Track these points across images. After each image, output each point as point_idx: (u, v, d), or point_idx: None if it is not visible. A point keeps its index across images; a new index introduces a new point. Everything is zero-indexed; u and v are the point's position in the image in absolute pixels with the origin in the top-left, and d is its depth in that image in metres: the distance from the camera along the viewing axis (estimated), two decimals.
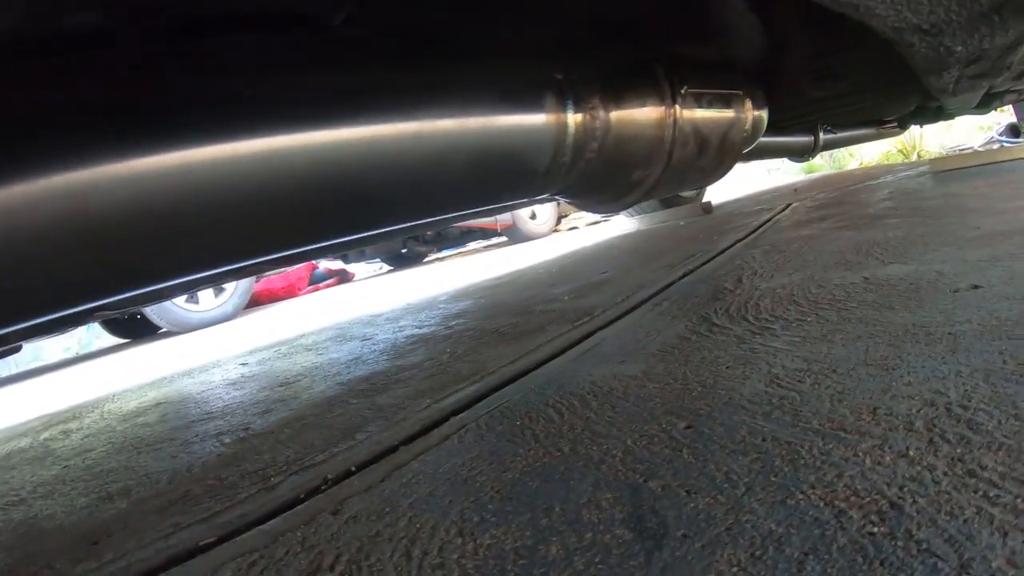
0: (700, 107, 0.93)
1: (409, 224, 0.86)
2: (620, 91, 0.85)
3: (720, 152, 1.05)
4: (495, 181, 0.84)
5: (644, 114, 0.85)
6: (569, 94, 0.83)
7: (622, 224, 4.40)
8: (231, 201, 0.62)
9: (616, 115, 0.85)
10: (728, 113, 1.02)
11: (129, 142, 0.57)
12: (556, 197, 1.12)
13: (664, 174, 0.93)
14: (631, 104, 0.86)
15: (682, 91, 0.88)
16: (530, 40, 0.89)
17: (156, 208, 0.59)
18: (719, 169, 1.14)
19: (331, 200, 0.68)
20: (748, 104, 1.07)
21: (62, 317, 1.38)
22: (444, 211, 0.86)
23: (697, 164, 1.01)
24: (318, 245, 0.77)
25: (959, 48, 0.81)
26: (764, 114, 1.27)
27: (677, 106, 0.86)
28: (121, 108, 0.59)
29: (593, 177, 0.92)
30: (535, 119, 0.79)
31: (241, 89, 0.62)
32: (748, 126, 1.09)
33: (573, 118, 0.81)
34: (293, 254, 0.79)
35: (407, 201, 0.76)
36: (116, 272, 0.64)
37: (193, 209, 0.61)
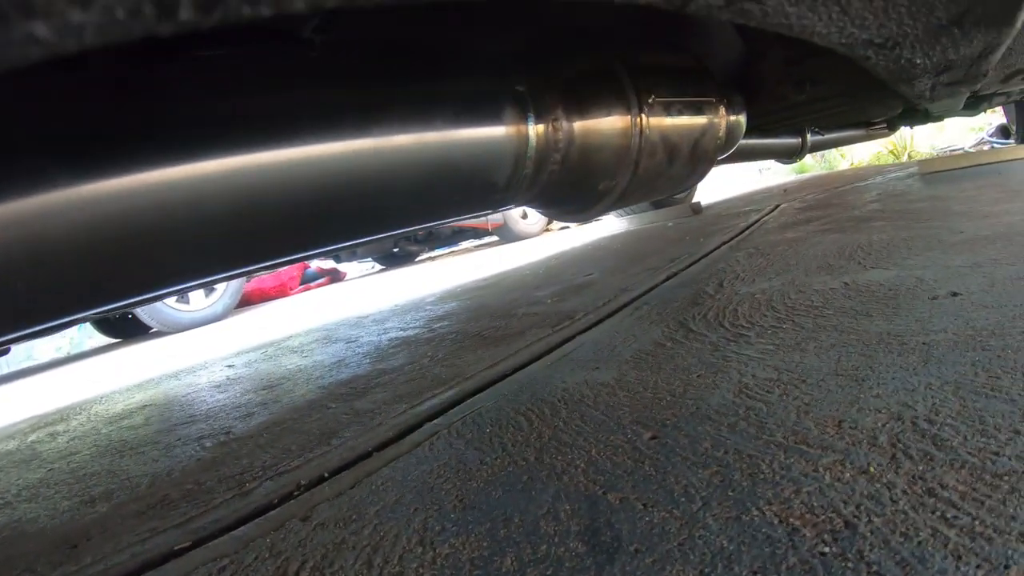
0: (669, 115, 0.93)
1: (363, 239, 0.86)
2: (583, 101, 0.84)
3: (692, 160, 1.05)
4: (454, 195, 0.84)
5: (609, 123, 0.85)
6: (530, 105, 0.83)
7: (612, 225, 4.41)
8: (182, 220, 0.62)
9: (580, 125, 0.85)
10: (700, 120, 1.01)
11: (94, 164, 0.58)
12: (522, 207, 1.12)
13: (632, 183, 0.93)
14: (595, 114, 0.86)
15: (649, 100, 0.87)
16: (490, 50, 0.89)
17: (109, 228, 0.59)
18: (692, 176, 1.13)
19: (285, 217, 0.68)
20: (722, 110, 1.07)
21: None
22: (401, 226, 0.86)
23: (667, 173, 1.01)
24: (273, 261, 0.77)
25: (920, 60, 0.80)
26: (741, 119, 1.27)
27: (643, 115, 0.86)
28: (89, 130, 0.59)
29: (558, 188, 0.92)
30: (494, 131, 0.79)
31: (188, 111, 0.62)
32: (722, 132, 1.09)
33: (535, 129, 0.81)
34: (252, 269, 0.80)
35: (362, 217, 0.76)
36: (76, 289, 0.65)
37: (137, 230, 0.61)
